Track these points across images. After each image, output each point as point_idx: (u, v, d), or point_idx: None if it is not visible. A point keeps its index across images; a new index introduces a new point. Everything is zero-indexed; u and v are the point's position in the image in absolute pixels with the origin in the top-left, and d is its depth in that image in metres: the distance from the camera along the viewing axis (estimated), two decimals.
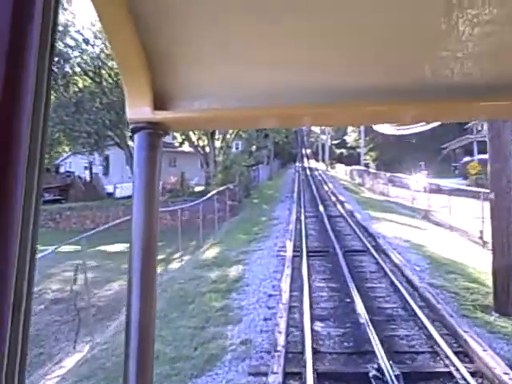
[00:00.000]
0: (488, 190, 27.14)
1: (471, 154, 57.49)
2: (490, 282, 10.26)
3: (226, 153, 29.51)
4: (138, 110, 1.07)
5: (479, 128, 60.07)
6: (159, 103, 1.08)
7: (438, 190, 43.42)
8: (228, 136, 35.52)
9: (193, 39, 1.01)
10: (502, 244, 8.45)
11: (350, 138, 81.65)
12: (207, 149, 35.23)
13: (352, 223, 18.35)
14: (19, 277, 0.53)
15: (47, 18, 0.57)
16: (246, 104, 1.07)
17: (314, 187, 36.48)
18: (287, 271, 10.62)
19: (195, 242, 20.15)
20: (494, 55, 1.00)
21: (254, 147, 34.33)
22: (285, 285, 9.60)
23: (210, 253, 15.67)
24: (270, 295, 9.28)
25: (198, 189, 35.53)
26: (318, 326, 7.63)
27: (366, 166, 50.97)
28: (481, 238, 15.07)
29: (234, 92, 1.09)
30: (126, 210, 32.37)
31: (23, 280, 0.54)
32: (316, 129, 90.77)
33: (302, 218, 20.36)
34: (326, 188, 36.08)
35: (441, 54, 1.00)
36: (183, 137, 39.73)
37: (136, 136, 1.06)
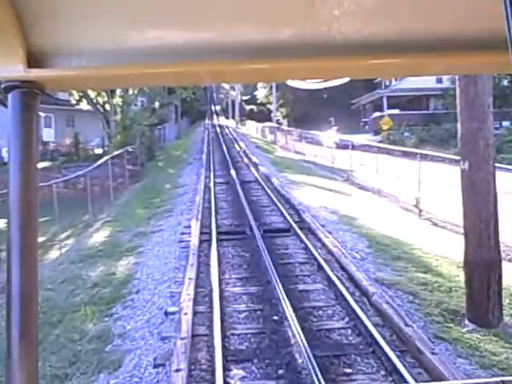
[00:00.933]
0: (401, 148, 25.65)
1: (381, 109, 57.14)
2: (444, 269, 8.22)
3: (124, 111, 25.86)
4: (11, 67, 0.97)
5: (387, 83, 59.78)
6: (34, 60, 0.97)
7: (350, 147, 42.55)
8: (130, 92, 31.87)
9: None
10: (479, 230, 6.25)
11: (261, 93, 79.21)
12: (107, 107, 31.28)
13: (269, 191, 15.95)
14: None
15: None
16: (129, 61, 0.99)
17: (224, 146, 33.77)
18: (190, 270, 7.94)
19: (88, 216, 16.93)
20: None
21: (157, 104, 30.76)
22: (186, 293, 6.93)
23: (99, 236, 12.66)
24: (167, 313, 6.57)
25: (98, 151, 31.71)
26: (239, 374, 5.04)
27: (278, 122, 48.84)
28: (416, 206, 13.17)
29: (115, 47, 1.00)
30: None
31: None
32: (226, 85, 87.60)
33: (212, 184, 17.68)
34: (237, 147, 33.49)
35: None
36: (80, 93, 35.23)
37: (9, 96, 0.97)
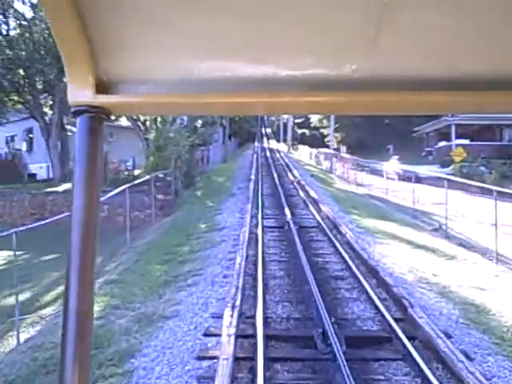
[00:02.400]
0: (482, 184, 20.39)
1: (448, 138, 51.72)
2: None
3: (158, 129, 21.77)
4: (80, 92, 1.01)
5: None
6: (102, 86, 1.03)
7: (416, 179, 37.46)
8: None
9: (137, 21, 0.97)
10: None
11: (315, 117, 74.84)
12: (148, 123, 27.48)
13: (339, 245, 11.28)
14: None
15: None
16: (193, 90, 1.04)
17: (275, 174, 29.26)
18: None
19: None
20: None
21: (199, 122, 26.70)
22: None
23: None
24: None
25: (136, 172, 27.79)
26: None
27: (336, 148, 44.07)
28: None
29: (180, 77, 1.05)
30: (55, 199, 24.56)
31: None
32: None
33: (259, 230, 13.13)
34: (290, 176, 28.91)
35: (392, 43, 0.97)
36: None
37: (78, 120, 1.02)
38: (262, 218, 15.16)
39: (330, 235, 12.65)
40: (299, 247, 11.03)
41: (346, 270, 9.65)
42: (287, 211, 16.00)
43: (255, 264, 9.89)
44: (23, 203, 26.03)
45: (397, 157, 44.43)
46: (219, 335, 6.35)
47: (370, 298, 7.84)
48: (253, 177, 26.89)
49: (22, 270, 15.64)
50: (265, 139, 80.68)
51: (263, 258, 10.30)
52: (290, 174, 29.88)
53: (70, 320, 0.94)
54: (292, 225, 13.71)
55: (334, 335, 6.22)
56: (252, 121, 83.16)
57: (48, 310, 9.72)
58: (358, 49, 0.98)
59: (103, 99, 1.02)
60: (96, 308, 8.37)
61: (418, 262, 10.72)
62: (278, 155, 48.45)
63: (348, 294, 8.32)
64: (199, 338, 6.47)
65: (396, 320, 6.83)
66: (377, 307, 7.41)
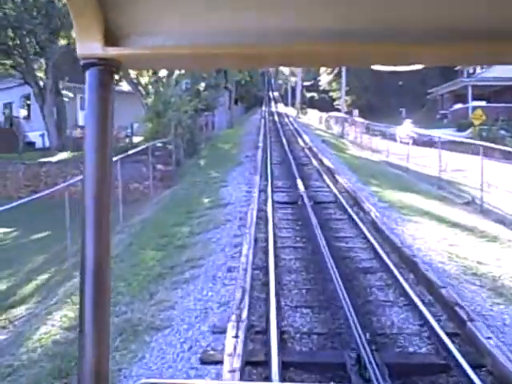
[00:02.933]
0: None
1: (464, 100, 49.39)
2: None
3: (157, 93, 19.89)
4: (88, 45, 0.99)
5: (471, 71, 51.85)
6: (111, 38, 1.00)
7: (430, 144, 35.64)
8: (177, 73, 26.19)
9: None
10: None
11: (324, 79, 72.34)
12: (151, 88, 25.54)
13: (365, 230, 9.58)
14: None
15: None
16: (205, 42, 1.00)
17: (284, 140, 27.39)
18: None
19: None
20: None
21: (202, 85, 24.71)
22: None
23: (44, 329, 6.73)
24: None
25: (137, 139, 26.01)
26: None
27: (348, 112, 41.94)
28: None
29: (192, 28, 1.02)
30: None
31: None
32: (285, 70, 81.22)
33: (269, 207, 11.46)
34: (300, 142, 27.07)
35: None
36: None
37: (87, 74, 1.00)
38: (272, 191, 13.47)
39: (351, 212, 10.98)
40: (317, 229, 9.37)
41: (375, 260, 8.01)
42: (300, 183, 14.29)
43: (266, 253, 8.26)
44: (17, 174, 24.56)
45: (410, 120, 42.45)
46: (220, 362, 4.78)
47: (411, 302, 6.21)
48: (261, 144, 25.07)
49: (7, 251, 14.28)
50: (272, 103, 78.39)
51: (275, 245, 8.64)
52: (300, 140, 28.02)
53: (87, 284, 0.93)
54: (306, 200, 12.03)
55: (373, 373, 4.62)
56: (259, 84, 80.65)
57: (21, 310, 8.21)
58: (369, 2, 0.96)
59: (112, 51, 0.99)
60: (71, 314, 6.84)
61: (457, 246, 9.06)
62: (286, 120, 46.41)
63: (382, 294, 6.69)
64: (194, 367, 4.90)
65: (458, 346, 5.20)
66: (422, 316, 5.79)
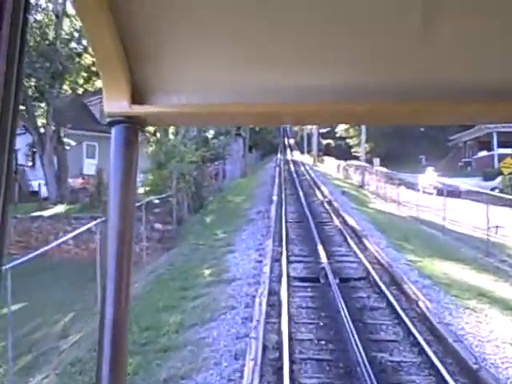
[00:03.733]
0: None
1: (488, 147, 47.02)
2: None
3: (159, 142, 17.81)
4: (115, 103, 1.04)
5: None
6: (137, 97, 1.05)
7: (457, 194, 33.02)
8: None
9: (172, 33, 1.00)
10: None
11: (340, 127, 70.53)
12: (159, 135, 23.57)
13: (411, 327, 7.06)
14: None
15: (16, 19, 0.60)
16: (225, 101, 1.05)
17: (301, 192, 25.07)
18: None
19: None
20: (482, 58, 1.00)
21: (211, 133, 22.65)
22: None
23: None
24: None
25: (141, 190, 23.93)
26: None
27: (368, 161, 39.65)
28: None
29: (213, 88, 1.07)
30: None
31: None
32: None
33: (283, 292, 8.95)
34: (318, 194, 24.72)
35: (424, 54, 0.99)
36: None
37: (113, 130, 1.03)
38: (288, 261, 11.03)
39: (389, 296, 8.47)
40: (348, 326, 6.88)
41: None
42: (321, 250, 11.83)
43: (279, 370, 5.75)
44: (9, 229, 22.43)
45: (432, 168, 40.09)
46: None
47: None
48: (275, 197, 22.74)
49: None
50: (288, 151, 76.68)
51: (291, 357, 6.11)
52: (318, 192, 25.69)
53: (106, 329, 0.94)
54: (330, 275, 9.56)
55: None
56: (274, 131, 79.22)
57: None
58: (382, 60, 1.00)
59: (138, 110, 1.02)
60: None
61: None
62: (302, 168, 44.24)
63: None
64: None
65: None
66: None
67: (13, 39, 0.58)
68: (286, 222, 16.55)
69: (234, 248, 13.26)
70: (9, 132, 0.59)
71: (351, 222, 15.87)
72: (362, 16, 0.93)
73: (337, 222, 16.30)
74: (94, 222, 16.27)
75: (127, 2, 0.94)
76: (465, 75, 0.99)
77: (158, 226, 15.37)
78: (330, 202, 21.25)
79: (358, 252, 11.87)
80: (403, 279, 9.41)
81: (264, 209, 19.67)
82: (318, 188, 27.23)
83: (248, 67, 1.04)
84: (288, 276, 9.80)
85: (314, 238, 13.37)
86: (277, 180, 31.33)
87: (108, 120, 1.02)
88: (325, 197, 23.25)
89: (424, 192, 31.51)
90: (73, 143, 28.60)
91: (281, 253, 11.83)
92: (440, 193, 29.12)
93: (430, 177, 35.19)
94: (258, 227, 15.89)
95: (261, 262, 11.10)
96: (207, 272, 11.25)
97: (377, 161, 35.82)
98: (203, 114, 1.09)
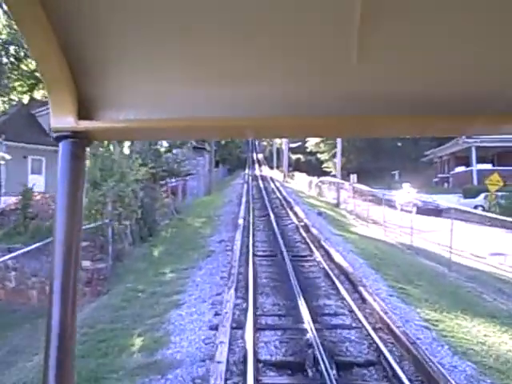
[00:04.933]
0: None
1: (466, 163, 44.95)
2: None
3: (95, 155, 14.03)
4: (62, 118, 1.03)
5: None
6: (84, 112, 1.04)
7: (437, 212, 30.41)
8: None
9: (119, 49, 0.98)
10: None
11: (311, 141, 67.60)
12: (112, 148, 19.76)
13: None
14: None
15: None
16: (175, 114, 1.05)
17: (271, 213, 21.61)
18: None
19: None
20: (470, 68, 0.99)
21: (164, 146, 18.99)
22: None
23: None
24: None
25: None
26: None
27: (343, 177, 36.46)
28: None
29: (160, 103, 1.06)
30: None
31: None
32: None
33: (250, 362, 5.46)
34: (292, 216, 21.26)
35: (371, 67, 0.98)
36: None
37: (60, 145, 1.02)
38: (256, 328, 7.47)
39: None
40: None
41: None
42: (303, 308, 8.30)
43: None
44: None
45: (408, 183, 37.40)
46: None
47: None
48: (241, 219, 19.21)
49: None
50: (256, 166, 73.57)
51: None
52: (291, 213, 22.23)
53: (53, 344, 0.93)
54: (322, 359, 6.05)
55: None
56: (243, 146, 76.05)
57: None
58: (341, 73, 0.98)
59: (86, 124, 1.01)
60: None
61: None
62: (272, 185, 40.84)
63: None
64: None
65: None
66: None
67: None
68: (254, 255, 13.02)
69: (182, 298, 9.63)
70: None
71: (336, 256, 12.44)
72: (305, 29, 0.93)
73: (318, 256, 12.83)
74: (9, 256, 12.63)
75: (70, 15, 0.90)
76: (436, 88, 1.00)
77: (86, 263, 11.64)
78: (306, 227, 17.83)
79: (355, 309, 8.40)
80: (438, 370, 5.93)
81: (227, 236, 16.09)
82: (291, 208, 23.79)
83: (197, 80, 1.02)
84: (257, 361, 6.23)
85: (291, 286, 9.84)
86: (244, 198, 27.82)
87: (54, 135, 1.00)
88: (299, 219, 19.79)
89: (402, 210, 28.60)
90: (8, 157, 24.52)
91: (245, 310, 8.27)
92: (420, 211, 26.20)
93: (407, 193, 32.46)
94: (217, 264, 12.28)
95: (216, 328, 7.50)
96: (138, 343, 7.60)
97: (354, 177, 32.70)
98: (152, 129, 1.07)
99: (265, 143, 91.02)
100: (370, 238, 18.47)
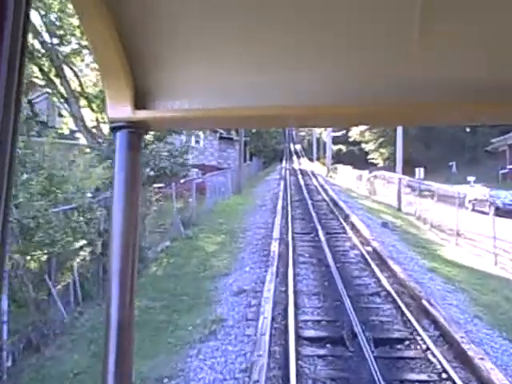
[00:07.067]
0: None
1: None
2: None
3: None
4: (119, 108, 1.02)
5: None
6: (140, 102, 1.03)
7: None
8: None
9: (174, 38, 0.99)
10: None
11: (355, 130, 60.22)
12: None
13: None
14: None
15: (17, 19, 0.56)
16: (228, 104, 1.03)
17: (320, 231, 15.04)
18: None
19: None
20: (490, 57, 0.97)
21: (150, 133, 12.93)
22: None
23: None
24: None
25: None
26: None
27: (388, 169, 29.34)
28: None
29: (215, 92, 1.04)
30: None
31: None
32: None
33: None
34: (349, 232, 14.67)
35: (428, 53, 0.97)
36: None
37: (117, 135, 1.02)
38: None
39: None
40: None
41: None
42: None
43: None
44: None
45: (473, 178, 30.57)
46: None
47: None
48: (275, 245, 12.75)
49: None
50: (294, 158, 66.95)
51: None
52: (347, 227, 15.56)
53: (112, 333, 0.92)
54: None
55: None
56: (279, 136, 69.02)
57: None
58: (392, 61, 0.98)
59: (142, 114, 1.01)
60: None
61: None
62: (314, 181, 34.20)
63: None
64: None
65: None
66: None
67: (14, 40, 0.54)
68: (299, 337, 6.62)
69: None
70: (11, 134, 0.56)
71: (449, 330, 5.90)
72: (362, 16, 0.92)
73: (428, 339, 6.26)
74: None
75: (128, 6, 0.92)
76: (478, 75, 0.96)
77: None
78: (376, 253, 11.29)
79: None
80: None
81: (252, 278, 9.69)
82: (346, 218, 17.12)
83: (250, 71, 1.02)
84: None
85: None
86: (280, 202, 21.37)
87: (111, 125, 1.00)
88: (363, 240, 13.17)
89: (474, 210, 22.12)
90: None
91: None
92: (501, 213, 19.35)
93: (475, 190, 25.88)
94: (225, 364, 5.91)
95: None
96: None
97: (420, 171, 25.81)
98: (206, 118, 1.07)
99: (303, 133, 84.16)
100: (475, 270, 11.74)
